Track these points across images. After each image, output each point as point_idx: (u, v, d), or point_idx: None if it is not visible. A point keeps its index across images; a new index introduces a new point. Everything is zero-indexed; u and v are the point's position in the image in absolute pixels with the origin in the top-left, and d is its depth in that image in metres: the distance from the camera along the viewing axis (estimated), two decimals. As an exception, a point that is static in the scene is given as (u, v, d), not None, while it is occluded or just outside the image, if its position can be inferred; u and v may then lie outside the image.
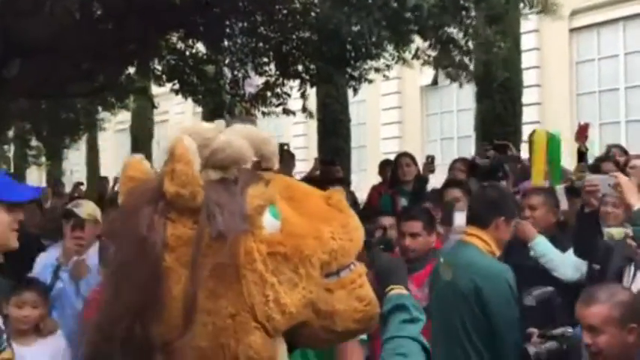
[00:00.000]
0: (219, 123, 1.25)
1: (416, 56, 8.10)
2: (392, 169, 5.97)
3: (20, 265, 3.73)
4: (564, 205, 4.13)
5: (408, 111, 16.67)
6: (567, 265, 3.56)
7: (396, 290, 1.58)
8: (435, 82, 9.68)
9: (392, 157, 6.70)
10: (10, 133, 16.94)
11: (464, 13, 6.61)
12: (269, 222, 1.18)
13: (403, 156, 5.95)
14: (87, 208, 3.78)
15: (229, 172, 1.19)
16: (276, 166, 1.29)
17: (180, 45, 8.85)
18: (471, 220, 3.23)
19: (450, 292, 3.11)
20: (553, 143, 4.76)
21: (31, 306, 3.16)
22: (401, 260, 2.05)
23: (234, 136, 1.20)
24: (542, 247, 3.62)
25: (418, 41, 8.04)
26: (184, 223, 1.15)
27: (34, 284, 3.32)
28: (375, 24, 6.64)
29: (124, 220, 1.19)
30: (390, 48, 8.29)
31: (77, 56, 6.13)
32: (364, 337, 2.42)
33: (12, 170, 18.83)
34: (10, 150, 20.78)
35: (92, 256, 3.60)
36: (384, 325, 1.51)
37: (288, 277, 1.17)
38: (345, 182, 6.55)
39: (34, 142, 17.80)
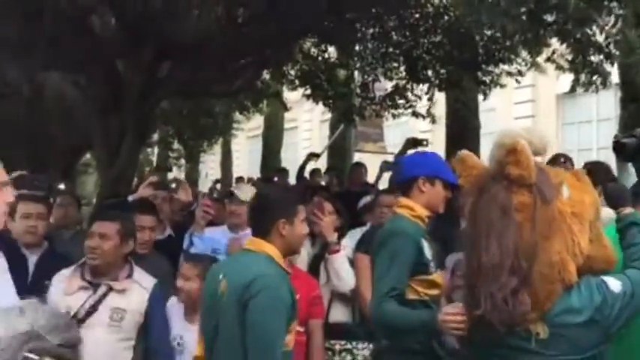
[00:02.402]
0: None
1: (550, 60, 7.79)
2: None
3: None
4: None
5: (542, 120, 16.00)
6: None
7: (626, 210, 2.18)
8: (572, 90, 9.19)
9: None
10: (155, 137, 18.38)
11: (609, 11, 6.25)
12: (564, 192, 1.95)
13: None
14: (246, 192, 4.08)
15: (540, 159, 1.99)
16: (546, 154, 2.15)
17: (313, 50, 9.17)
18: None
19: None
20: None
21: (184, 278, 3.16)
22: (624, 185, 2.55)
23: (533, 136, 1.98)
24: None
25: (554, 45, 7.73)
26: (523, 194, 1.91)
27: (193, 257, 3.35)
28: (511, 25, 6.50)
29: (480, 195, 1.96)
30: (523, 53, 8.07)
31: (221, 58, 6.57)
32: None
33: (155, 171, 20.32)
34: (154, 153, 22.47)
35: (246, 235, 3.84)
36: (622, 238, 2.13)
37: (579, 228, 1.91)
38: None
39: (175, 146, 19.13)
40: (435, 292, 2.68)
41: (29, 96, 10.77)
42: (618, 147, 2.45)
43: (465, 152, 2.15)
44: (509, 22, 5.90)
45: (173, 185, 4.47)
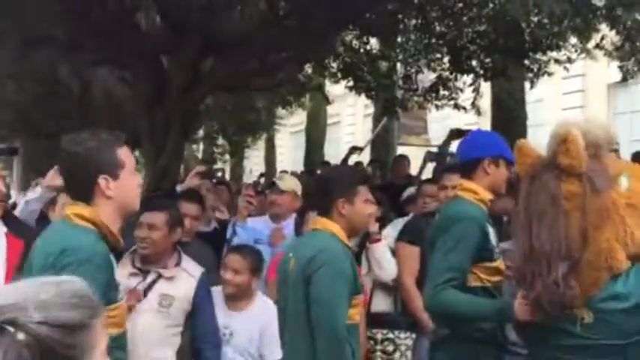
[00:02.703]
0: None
1: (599, 46, 7.53)
2: None
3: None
4: None
5: (592, 111, 15.53)
6: None
7: None
8: (624, 79, 8.90)
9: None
10: (200, 133, 18.65)
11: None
12: (622, 183, 2.02)
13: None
14: (288, 182, 4.15)
15: (600, 150, 2.06)
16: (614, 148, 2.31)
17: (354, 43, 9.12)
18: None
19: None
20: None
21: (232, 271, 3.17)
22: None
23: (594, 127, 2.07)
24: None
25: (603, 30, 7.49)
26: (572, 182, 1.99)
27: (241, 249, 3.34)
28: (559, 9, 6.31)
29: (532, 182, 2.07)
30: (572, 39, 7.84)
31: (262, 52, 6.61)
32: None
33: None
34: (199, 149, 22.81)
35: (288, 225, 3.88)
36: None
37: (635, 220, 1.99)
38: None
39: (220, 141, 19.37)
40: (497, 278, 2.62)
41: (79, 93, 11.09)
42: None
43: (522, 141, 2.28)
44: (557, 6, 5.73)
45: (219, 174, 4.52)
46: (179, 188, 4.31)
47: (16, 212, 3.56)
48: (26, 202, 3.42)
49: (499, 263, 2.62)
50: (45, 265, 1.82)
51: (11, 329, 0.90)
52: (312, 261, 2.35)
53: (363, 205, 2.52)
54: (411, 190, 5.01)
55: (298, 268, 2.40)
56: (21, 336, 0.90)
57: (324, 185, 2.58)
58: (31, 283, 1.00)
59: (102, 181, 1.94)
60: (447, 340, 2.62)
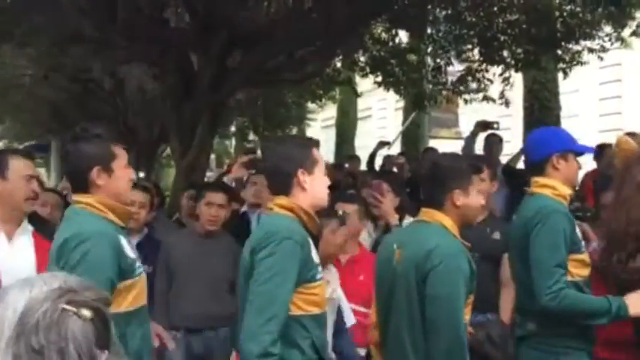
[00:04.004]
0: None
1: (635, 34, 7.31)
2: None
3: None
4: None
5: (630, 101, 15.13)
6: None
7: None
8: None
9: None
10: (232, 129, 18.76)
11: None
12: None
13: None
14: None
15: None
16: None
17: (383, 36, 9.04)
18: None
19: None
20: None
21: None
22: None
23: None
24: None
25: (639, 18, 7.27)
26: None
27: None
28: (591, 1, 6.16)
29: (624, 173, 2.50)
30: (607, 27, 7.62)
31: (290, 45, 6.59)
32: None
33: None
34: (231, 145, 22.96)
35: None
36: None
37: None
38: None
39: (251, 137, 19.47)
40: (585, 272, 2.60)
41: (111, 90, 11.26)
42: None
43: (622, 136, 2.66)
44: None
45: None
46: (226, 179, 4.35)
47: None
48: None
49: (585, 256, 2.61)
50: (260, 241, 2.15)
51: (74, 309, 0.97)
52: (429, 257, 2.26)
53: (477, 196, 2.43)
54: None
55: (409, 263, 2.32)
56: (87, 313, 0.97)
57: (439, 174, 2.44)
58: (51, 275, 1.05)
59: (301, 175, 2.25)
60: (536, 336, 2.60)
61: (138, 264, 2.26)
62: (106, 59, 8.02)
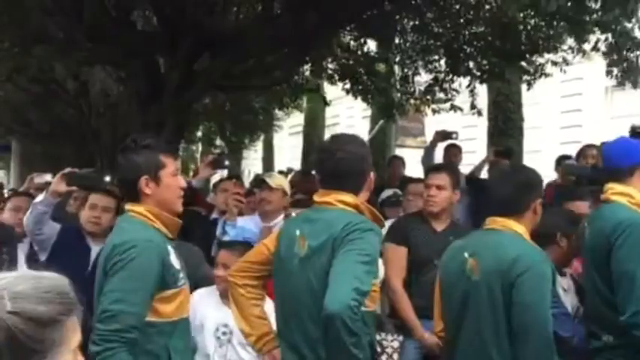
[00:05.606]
0: None
1: (595, 48, 7.52)
2: None
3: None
4: None
5: (590, 114, 15.52)
6: None
7: None
8: (621, 83, 8.88)
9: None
10: (199, 134, 18.59)
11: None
12: None
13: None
14: (276, 179, 4.15)
15: None
16: None
17: (352, 44, 9.10)
18: None
19: None
20: None
21: (223, 266, 3.09)
22: None
23: None
24: None
25: (598, 34, 7.47)
26: None
27: (230, 244, 3.34)
28: (554, 15, 6.30)
29: None
30: (569, 40, 7.83)
31: (258, 50, 6.57)
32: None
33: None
34: (198, 149, 22.76)
35: (278, 224, 3.83)
36: None
37: None
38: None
39: (217, 142, 19.33)
40: None
41: (75, 92, 11.05)
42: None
43: None
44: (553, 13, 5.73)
45: (227, 162, 4.51)
46: (194, 182, 4.32)
47: (27, 214, 3.51)
48: (34, 204, 3.42)
49: None
50: (344, 230, 2.19)
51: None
52: (514, 265, 2.29)
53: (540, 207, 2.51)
54: (389, 192, 5.02)
55: (489, 271, 2.35)
56: None
57: (527, 183, 2.50)
58: (14, 275, 1.02)
59: (371, 174, 2.39)
60: (613, 348, 2.60)
61: (181, 275, 2.28)
62: (70, 60, 7.88)
